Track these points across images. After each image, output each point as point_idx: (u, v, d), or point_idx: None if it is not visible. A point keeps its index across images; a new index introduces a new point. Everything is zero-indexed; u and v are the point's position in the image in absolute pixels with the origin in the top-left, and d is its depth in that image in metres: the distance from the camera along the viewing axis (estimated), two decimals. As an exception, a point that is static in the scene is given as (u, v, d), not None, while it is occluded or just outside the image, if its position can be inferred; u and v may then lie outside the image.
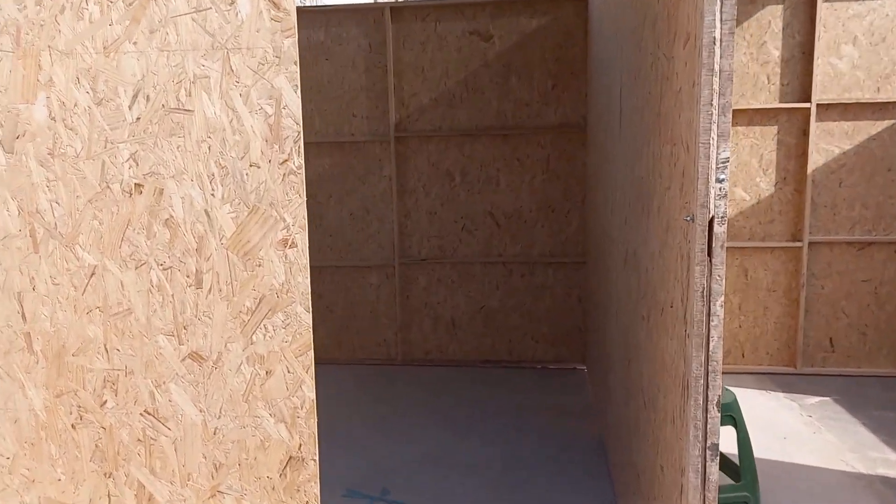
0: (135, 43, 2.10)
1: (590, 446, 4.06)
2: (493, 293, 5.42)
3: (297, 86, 2.06)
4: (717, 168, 1.98)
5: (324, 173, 5.41)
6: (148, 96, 2.11)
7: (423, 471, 3.78)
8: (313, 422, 2.18)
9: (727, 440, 3.43)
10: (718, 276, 1.97)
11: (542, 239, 5.33)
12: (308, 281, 2.13)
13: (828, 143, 4.96)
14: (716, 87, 1.96)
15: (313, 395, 2.17)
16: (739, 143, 5.07)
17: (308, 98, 5.35)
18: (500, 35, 5.17)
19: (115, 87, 2.12)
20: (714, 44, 1.94)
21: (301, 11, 5.27)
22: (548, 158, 5.25)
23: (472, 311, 5.44)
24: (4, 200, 2.23)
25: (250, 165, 2.10)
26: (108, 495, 2.34)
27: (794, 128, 5.00)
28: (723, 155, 1.98)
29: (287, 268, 2.12)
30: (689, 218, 2.02)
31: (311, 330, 2.15)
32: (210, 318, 2.18)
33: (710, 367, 1.94)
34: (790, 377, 5.02)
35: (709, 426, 1.97)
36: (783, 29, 4.92)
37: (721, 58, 1.96)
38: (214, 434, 2.23)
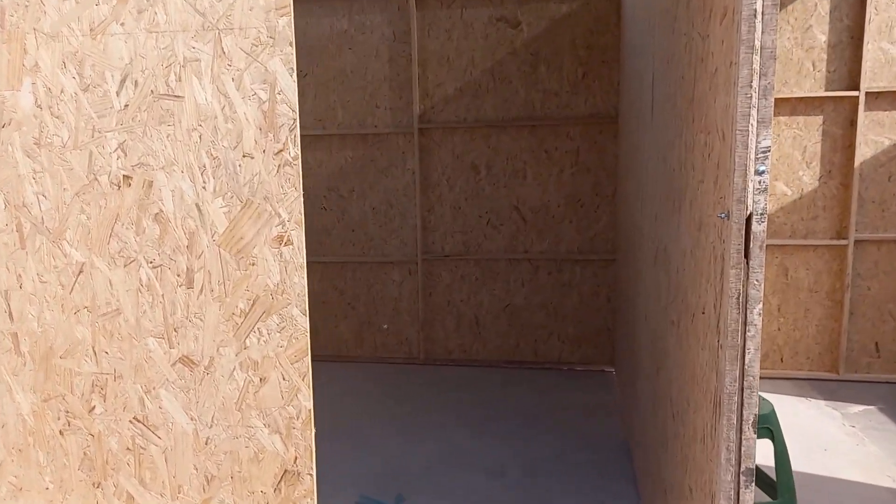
0: (122, 24, 1.95)
1: (615, 451, 3.85)
2: (519, 291, 5.21)
3: (292, 69, 1.90)
4: (757, 158, 1.76)
5: (346, 166, 5.26)
6: (136, 81, 1.97)
7: (441, 472, 3.61)
8: (310, 434, 2.02)
9: (764, 453, 3.19)
10: (756, 280, 1.75)
11: (570, 235, 5.11)
12: (304, 281, 1.97)
13: (877, 135, 4.64)
14: (756, 66, 1.73)
15: (310, 405, 2.01)
16: (781, 133, 4.77)
17: (331, 89, 5.20)
18: (529, 21, 4.95)
19: (102, 72, 1.98)
20: (755, 17, 1.72)
21: (323, 0, 5.12)
22: (577, 151, 5.02)
23: (496, 310, 5.25)
24: (-11, 193, 2.11)
25: (243, 156, 1.94)
26: (98, 505, 2.21)
27: (840, 118, 4.69)
28: (763, 143, 1.76)
29: (282, 267, 1.96)
30: (723, 215, 1.81)
31: (307, 334, 1.99)
32: (202, 319, 2.03)
33: (745, 383, 1.73)
34: (832, 384, 4.73)
35: (743, 449, 1.76)
36: (830, 12, 4.61)
37: (763, 33, 1.73)
38: (206, 444, 2.09)
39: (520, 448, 3.91)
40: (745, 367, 1.75)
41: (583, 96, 4.97)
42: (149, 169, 1.99)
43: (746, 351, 1.75)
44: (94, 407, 2.14)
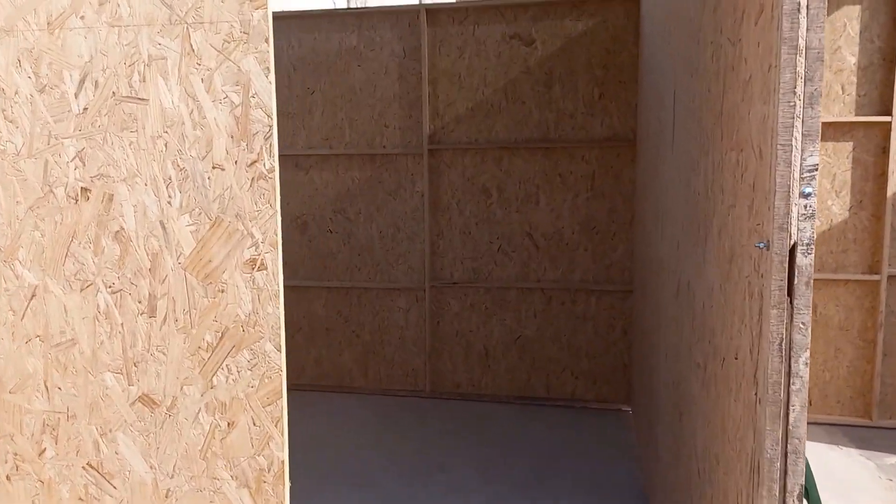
0: (82, 17, 1.74)
1: (633, 500, 3.53)
2: (530, 322, 4.93)
3: (268, 69, 1.67)
4: (802, 178, 1.50)
5: (353, 187, 5.04)
6: (96, 82, 1.74)
7: (440, 523, 3.32)
8: (283, 489, 1.75)
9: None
10: (802, 323, 1.48)
11: (585, 264, 4.84)
12: (280, 312, 1.72)
13: (914, 163, 4.35)
14: (800, 69, 1.48)
15: (284, 455, 1.75)
16: (810, 160, 4.48)
17: (339, 106, 5.00)
18: (543, 39, 4.74)
19: (59, 71, 1.76)
20: (798, 12, 1.46)
21: (333, 14, 4.94)
22: (593, 175, 4.77)
23: (507, 341, 4.97)
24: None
25: (213, 167, 1.71)
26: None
27: (871, 144, 4.41)
28: (809, 160, 1.50)
29: (255, 295, 1.72)
30: (762, 244, 1.54)
31: (282, 373, 1.74)
32: (164, 353, 1.78)
33: (789, 447, 1.45)
34: (865, 430, 4.38)
35: (787, 523, 1.47)
36: (860, 33, 4.35)
37: (808, 31, 1.48)
38: (166, 497, 1.82)
39: (530, 494, 3.61)
40: (790, 427, 1.47)
41: (599, 118, 4.73)
42: (109, 181, 1.76)
43: (791, 408, 1.47)
44: (44, 450, 1.89)
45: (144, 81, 1.71)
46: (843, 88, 4.42)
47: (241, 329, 1.72)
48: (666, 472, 2.91)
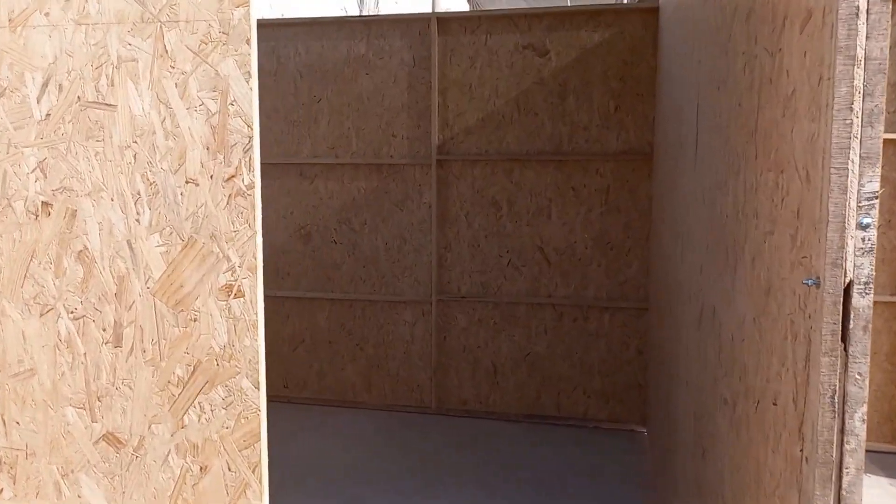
0: (47, 14, 1.53)
1: (646, 536, 3.29)
2: (541, 338, 4.70)
3: (249, 73, 1.46)
4: (860, 207, 1.27)
5: (359, 198, 4.84)
6: (60, 85, 1.54)
7: (441, 556, 3.09)
8: (257, 542, 1.54)
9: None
10: (859, 374, 1.25)
11: (598, 279, 4.60)
12: (259, 344, 1.51)
13: (945, 181, 4.09)
14: (858, 82, 1.25)
15: (259, 504, 1.54)
16: (835, 177, 4.23)
17: (346, 115, 4.81)
18: (558, 50, 4.52)
19: (21, 73, 1.56)
20: (857, 17, 1.24)
21: (342, 21, 4.75)
22: (607, 189, 4.54)
23: (516, 358, 4.74)
24: None
25: (186, 182, 1.50)
26: None
27: (901, 161, 4.16)
28: (868, 187, 1.27)
29: (231, 325, 1.50)
30: (811, 281, 1.31)
31: (261, 414, 1.52)
32: (130, 388, 1.57)
33: (845, 519, 1.22)
34: (893, 457, 4.11)
35: None
36: (891, 47, 4.10)
37: (868, 39, 1.26)
38: (129, 546, 1.62)
39: (535, 523, 3.37)
40: (843, 492, 1.24)
41: (614, 130, 4.50)
42: (72, 195, 1.56)
43: (845, 470, 1.24)
44: (1, 490, 1.69)
45: (113, 85, 1.51)
46: (870, 102, 4.16)
47: (216, 363, 1.51)
48: (684, 511, 2.67)
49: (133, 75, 1.50)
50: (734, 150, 2.03)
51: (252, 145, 1.46)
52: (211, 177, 1.48)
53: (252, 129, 1.46)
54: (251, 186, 1.46)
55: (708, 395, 2.37)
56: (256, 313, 1.48)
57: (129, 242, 1.53)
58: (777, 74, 1.63)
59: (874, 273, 1.32)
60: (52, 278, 1.58)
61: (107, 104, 1.52)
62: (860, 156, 1.26)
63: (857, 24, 1.24)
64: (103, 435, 1.60)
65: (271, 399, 5.06)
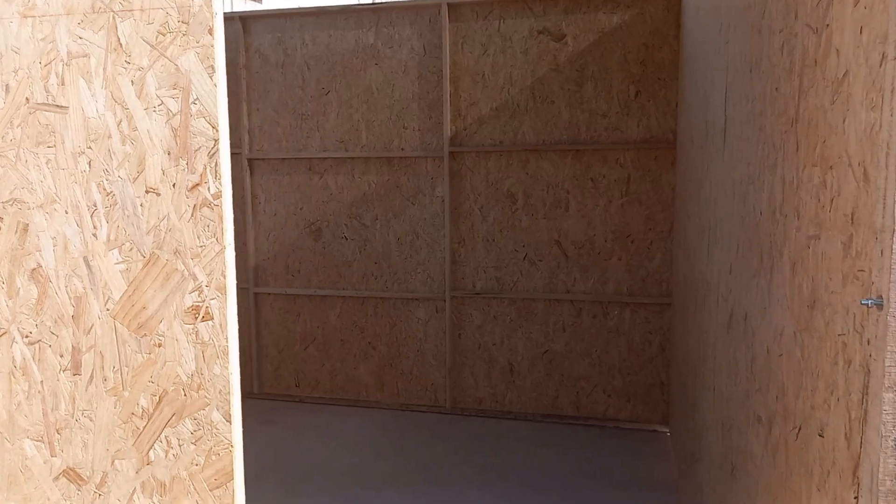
0: (-12, 6, 1.36)
1: (671, 549, 3.08)
2: (559, 335, 4.49)
3: (213, 68, 1.26)
4: (930, 213, 1.05)
5: (369, 192, 4.65)
6: (7, 86, 1.36)
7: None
8: None
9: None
10: (931, 413, 1.03)
11: (619, 274, 4.37)
12: (230, 372, 1.32)
13: None
14: (931, 64, 1.03)
15: (234, 551, 1.36)
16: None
17: (355, 108, 4.61)
18: (575, 34, 4.28)
19: (-36, 73, 1.39)
20: (930, -16, 1.02)
21: (350, 10, 4.55)
22: (627, 179, 4.30)
23: (533, 356, 4.54)
24: None
25: (146, 191, 1.32)
26: None
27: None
28: (940, 189, 1.05)
29: (199, 351, 1.32)
30: (872, 301, 1.10)
31: (234, 449, 1.34)
32: (91, 419, 1.40)
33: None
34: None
35: None
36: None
37: (943, 12, 1.03)
38: None
39: (553, 534, 3.18)
40: (909, 555, 1.03)
41: (635, 118, 4.25)
42: (23, 207, 1.38)
43: (912, 531, 1.03)
44: (-40, 525, 1.54)
45: (63, 84, 1.33)
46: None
47: (183, 393, 1.34)
48: (712, 529, 2.46)
49: (85, 73, 1.32)
50: (770, 140, 1.80)
51: (218, 149, 1.27)
52: (173, 185, 1.30)
53: (218, 130, 1.27)
54: (218, 196, 1.28)
55: (738, 408, 2.16)
56: (227, 338, 1.30)
57: (85, 259, 1.36)
58: (824, 54, 1.39)
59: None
60: (5, 299, 1.42)
61: (58, 106, 1.34)
62: (931, 152, 1.03)
63: (926, -9, 1.01)
64: (63, 471, 1.43)
65: (282, 399, 4.92)
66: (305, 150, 4.70)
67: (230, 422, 1.32)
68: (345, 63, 4.57)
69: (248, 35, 4.72)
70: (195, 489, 1.36)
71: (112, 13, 1.29)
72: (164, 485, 1.37)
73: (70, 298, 1.38)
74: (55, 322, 1.39)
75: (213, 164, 1.27)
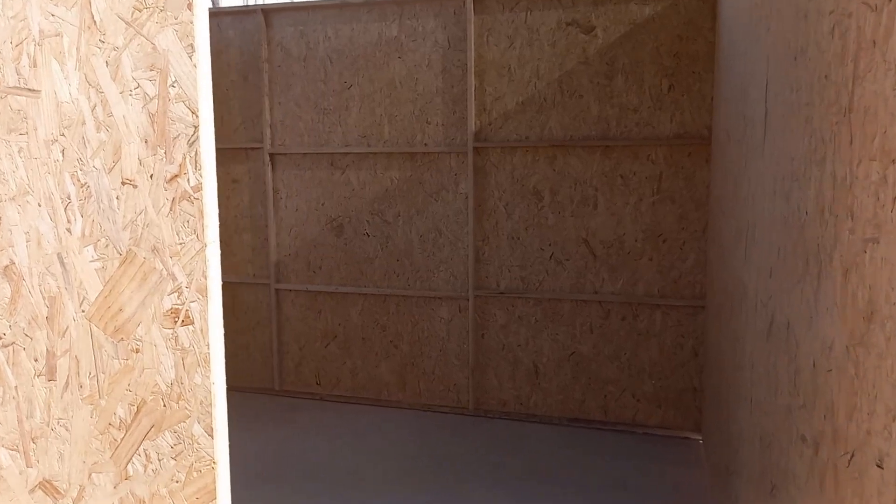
0: (-41, -19, 1.25)
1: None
2: (586, 337, 4.31)
3: (193, 47, 1.13)
4: None
5: (392, 188, 4.52)
6: (-21, 68, 1.26)
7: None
8: None
9: None
10: None
11: (650, 275, 4.18)
12: (211, 382, 1.19)
13: None
14: None
15: (214, 578, 1.23)
16: None
17: (378, 102, 4.48)
18: (605, 26, 4.08)
19: (-65, 55, 1.29)
20: None
21: (373, 3, 4.42)
22: (659, 176, 4.10)
23: (559, 358, 4.36)
24: None
25: (122, 183, 1.19)
26: None
27: None
28: None
29: (178, 358, 1.20)
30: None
31: (217, 466, 1.21)
32: (67, 429, 1.28)
33: None
34: None
35: None
36: None
37: None
38: None
39: (576, 547, 3.01)
40: None
41: (668, 112, 4.05)
42: (-4, 200, 1.27)
43: None
44: (-63, 536, 1.44)
45: (35, 66, 1.22)
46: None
47: (162, 403, 1.21)
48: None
49: (58, 53, 1.20)
50: (817, 132, 1.61)
51: (198, 136, 1.14)
52: (151, 176, 1.17)
53: (198, 116, 1.14)
54: (199, 188, 1.15)
55: (779, 423, 1.97)
56: (209, 344, 1.17)
57: (59, 256, 1.24)
58: (885, 35, 1.21)
59: None
60: (-21, 298, 1.31)
61: (30, 89, 1.23)
62: None
63: None
64: (39, 483, 1.32)
65: (303, 396, 4.82)
66: (327, 144, 4.59)
67: (212, 436, 1.19)
68: (367, 56, 4.45)
69: (270, 28, 4.62)
70: (175, 508, 1.23)
71: (86, -13, 1.17)
72: (144, 502, 1.25)
73: (44, 298, 1.26)
74: (29, 323, 1.28)
75: (192, 154, 1.15)
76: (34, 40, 1.21)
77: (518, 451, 3.98)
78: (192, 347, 1.18)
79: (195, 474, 1.22)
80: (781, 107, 2.08)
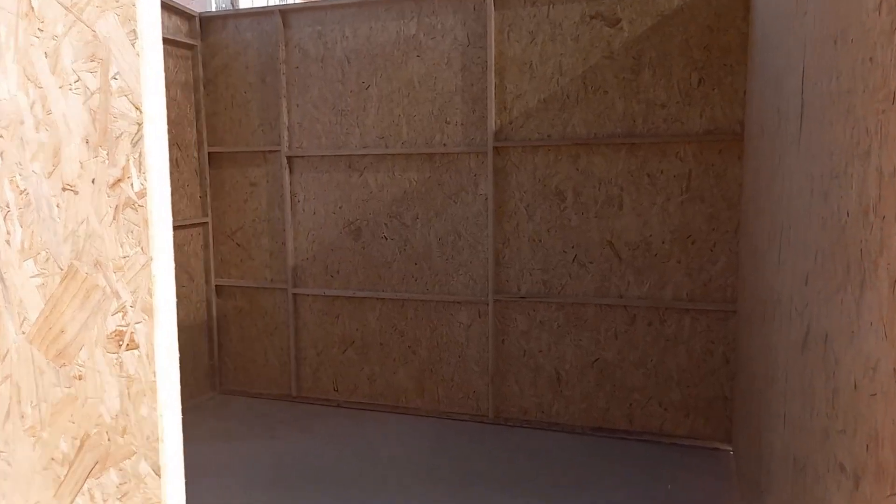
0: None
1: None
2: (611, 343, 4.10)
3: (135, 33, 0.98)
4: None
5: (410, 190, 4.37)
6: (-87, 64, 1.13)
7: None
8: None
9: None
10: None
11: (678, 278, 3.95)
12: (159, 415, 1.04)
13: None
14: None
15: None
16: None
17: (396, 102, 4.33)
18: (631, 18, 3.87)
19: None
20: None
21: (392, 0, 4.27)
22: (688, 175, 3.87)
23: (582, 364, 4.16)
24: None
25: (63, 189, 1.05)
26: None
27: None
28: None
29: (124, 387, 1.05)
30: None
31: (168, 506, 1.06)
32: (9, 463, 1.15)
33: None
34: None
35: None
36: None
37: None
38: None
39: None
40: None
41: (698, 108, 3.82)
42: (-66, 208, 1.15)
43: None
44: None
45: (-30, 58, 1.08)
46: None
47: (106, 437, 1.07)
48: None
49: (-8, 43, 1.07)
50: (861, 123, 1.40)
51: (142, 135, 0.99)
52: (93, 181, 1.03)
53: (142, 112, 0.99)
54: (143, 194, 1.00)
55: (815, 447, 1.76)
56: (155, 372, 1.02)
57: (-1, 271, 1.11)
58: (942, 3, 1.01)
59: None
60: (-80, 316, 1.18)
61: (-36, 84, 1.09)
62: None
63: None
64: (-14, 520, 1.19)
65: (320, 403, 4.69)
66: (345, 146, 4.46)
67: (159, 475, 1.04)
68: (386, 56, 4.30)
69: (288, 29, 4.50)
70: (124, 554, 1.09)
71: (20, -30, 1.03)
72: (91, 545, 1.11)
73: (-15, 317, 1.13)
74: (-30, 345, 1.15)
75: (136, 155, 1.00)
76: (-32, 31, 1.08)
77: (539, 461, 3.79)
78: (137, 375, 1.04)
79: (145, 516, 1.07)
80: (819, 97, 1.86)
